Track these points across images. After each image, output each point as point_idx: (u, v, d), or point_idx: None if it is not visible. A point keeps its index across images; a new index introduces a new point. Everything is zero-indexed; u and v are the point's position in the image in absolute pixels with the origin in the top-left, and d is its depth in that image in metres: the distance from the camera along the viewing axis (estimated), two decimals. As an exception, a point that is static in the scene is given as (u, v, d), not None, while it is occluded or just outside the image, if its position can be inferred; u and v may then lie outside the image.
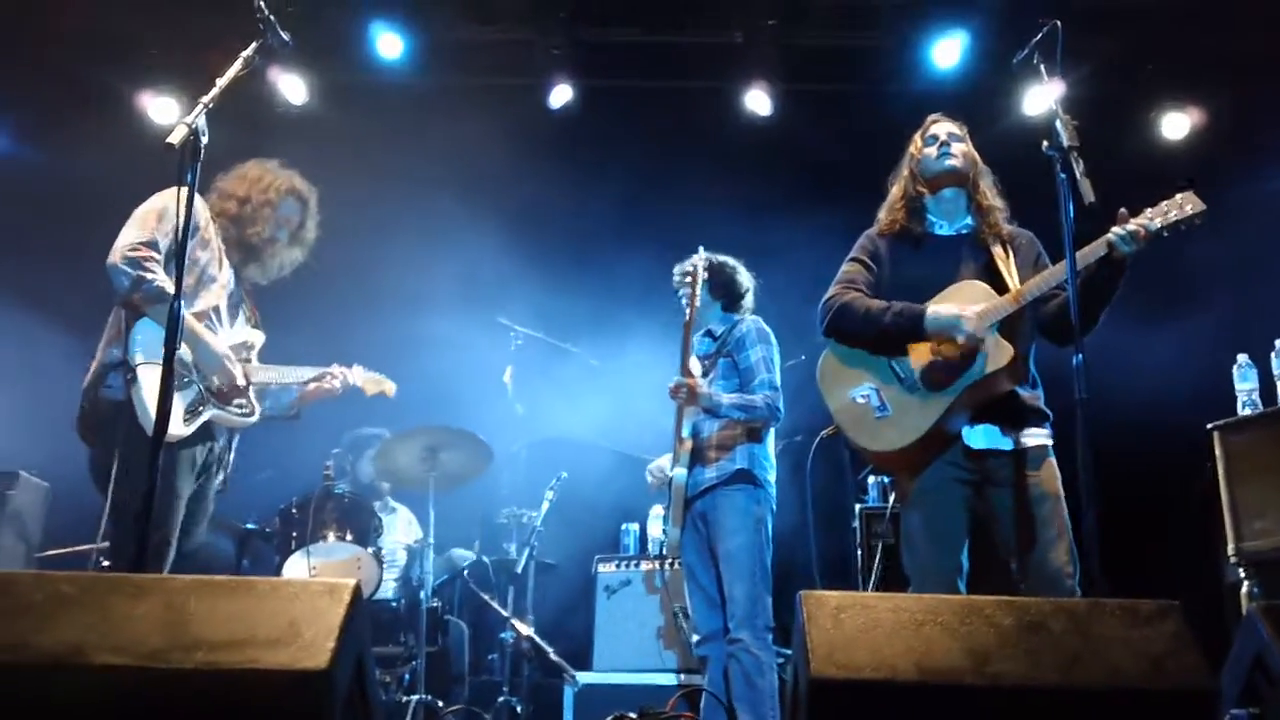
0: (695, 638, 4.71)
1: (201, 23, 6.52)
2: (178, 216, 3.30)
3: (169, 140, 3.34)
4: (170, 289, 3.77)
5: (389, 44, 7.19)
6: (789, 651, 5.05)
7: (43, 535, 5.47)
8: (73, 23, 6.74)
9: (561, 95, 7.34)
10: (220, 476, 4.16)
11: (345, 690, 2.17)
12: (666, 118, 7.45)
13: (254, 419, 4.20)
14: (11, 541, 5.15)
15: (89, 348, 3.99)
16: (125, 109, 7.05)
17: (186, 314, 3.84)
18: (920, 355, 3.59)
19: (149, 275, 3.83)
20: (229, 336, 4.16)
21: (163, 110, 7.03)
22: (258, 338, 4.32)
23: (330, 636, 2.14)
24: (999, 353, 3.47)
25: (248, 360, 4.22)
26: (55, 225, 3.95)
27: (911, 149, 3.88)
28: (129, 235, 3.89)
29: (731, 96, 7.25)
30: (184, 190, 3.32)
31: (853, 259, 3.86)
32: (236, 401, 4.12)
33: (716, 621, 4.60)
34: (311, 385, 4.38)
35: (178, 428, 3.82)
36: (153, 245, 3.89)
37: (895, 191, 3.88)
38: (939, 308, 3.56)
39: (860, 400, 3.62)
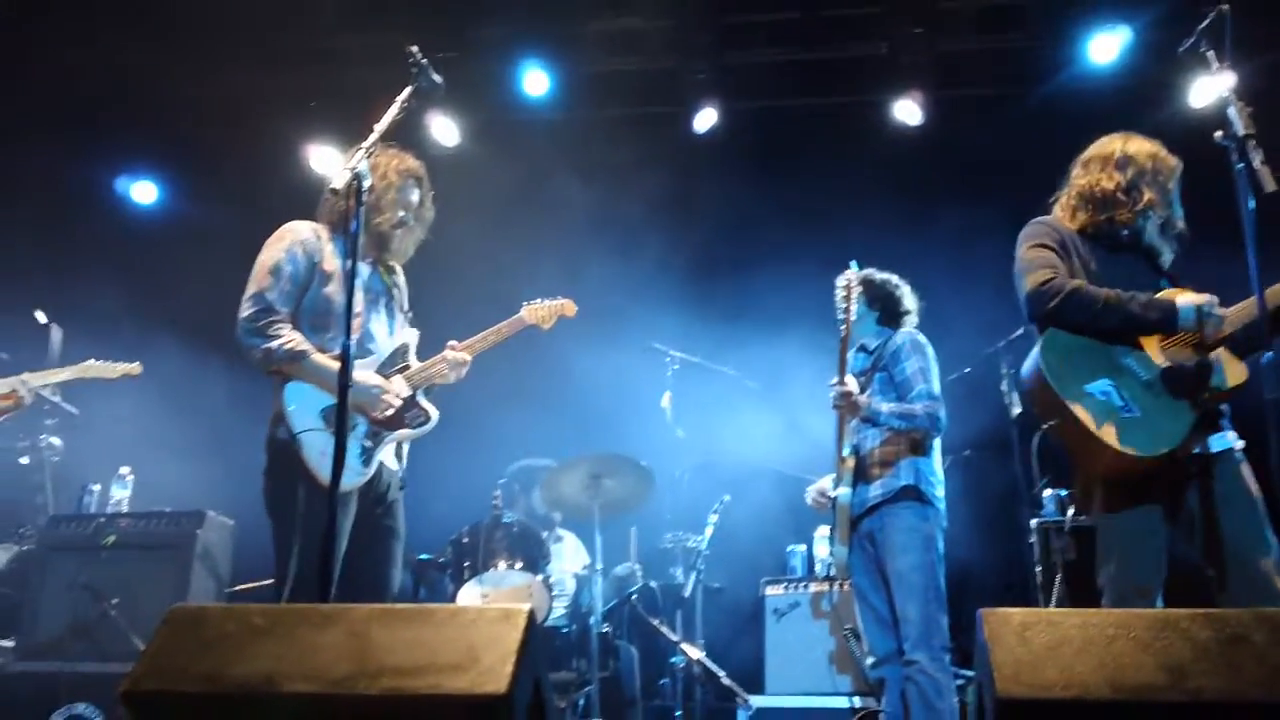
0: (869, 660, 4.60)
1: (358, 74, 6.81)
2: (350, 261, 3.35)
3: (333, 186, 3.43)
4: (300, 345, 3.84)
5: (535, 81, 7.35)
6: (967, 673, 4.91)
7: (231, 571, 5.70)
8: (236, 80, 7.09)
9: (706, 119, 7.38)
10: (398, 497, 4.12)
11: (525, 714, 2.19)
12: (814, 134, 7.41)
13: (433, 422, 4.11)
14: (203, 578, 5.38)
15: (257, 390, 4.08)
16: (288, 160, 7.36)
17: (323, 360, 3.84)
18: (1155, 354, 3.42)
19: (273, 343, 3.82)
20: (385, 346, 4.11)
21: (324, 159, 7.32)
22: (412, 336, 4.24)
23: (508, 661, 2.15)
24: (1234, 369, 3.33)
25: (405, 367, 4.14)
26: (230, 273, 4.14)
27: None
28: (244, 306, 3.87)
29: (880, 108, 7.16)
30: (352, 231, 3.36)
31: (1042, 245, 3.63)
32: (407, 418, 4.07)
33: (890, 643, 4.47)
34: (438, 377, 4.19)
35: (356, 478, 3.86)
36: (268, 308, 3.86)
37: (1105, 186, 3.68)
38: (1187, 297, 3.41)
39: (1100, 396, 3.38)
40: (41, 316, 4.80)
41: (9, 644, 5.56)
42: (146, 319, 6.83)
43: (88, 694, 4.94)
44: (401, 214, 4.15)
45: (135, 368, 4.83)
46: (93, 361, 4.72)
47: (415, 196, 4.22)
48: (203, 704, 2.18)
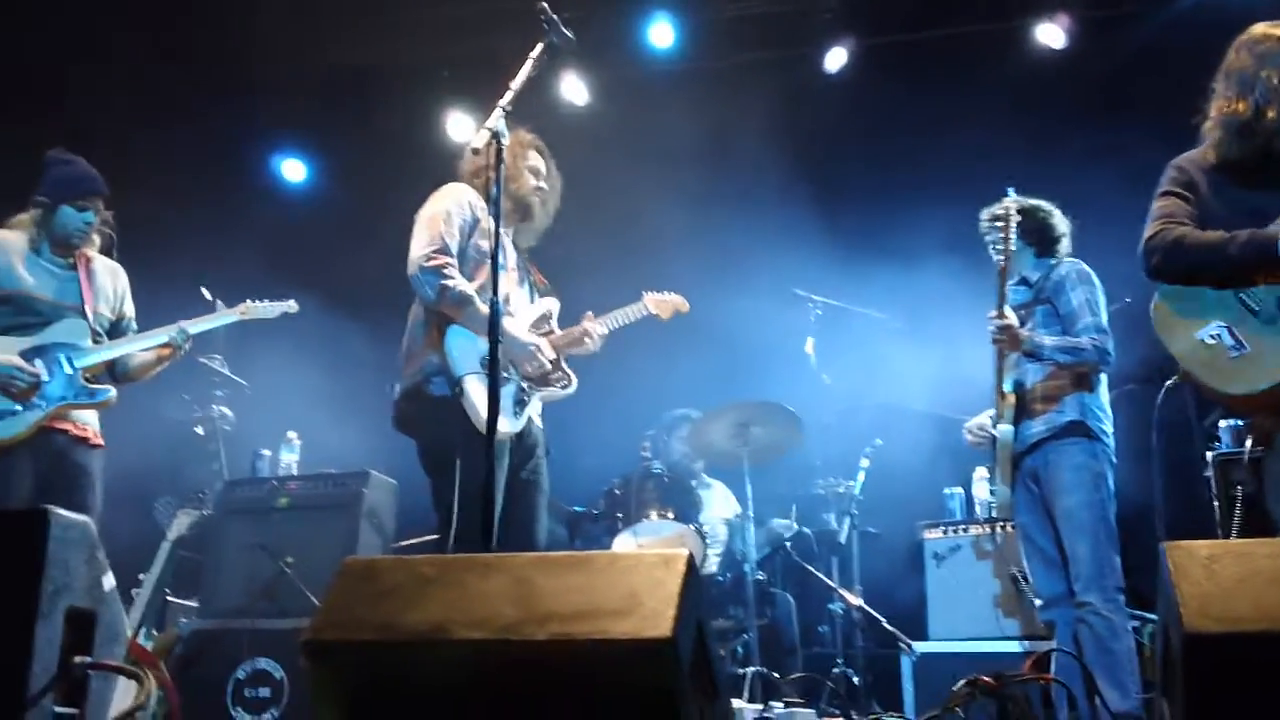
0: (1038, 602, 4.49)
1: (490, 40, 6.86)
2: (494, 219, 3.41)
3: (473, 145, 3.49)
4: (471, 291, 3.97)
5: (661, 33, 7.31)
6: (1142, 614, 4.75)
7: (396, 527, 5.89)
8: (373, 53, 7.23)
9: (837, 58, 7.25)
10: (543, 454, 4.27)
11: (689, 657, 2.19)
12: (948, 66, 7.18)
13: (574, 387, 4.31)
14: (369, 535, 5.56)
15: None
16: (427, 129, 7.48)
17: (486, 309, 3.94)
18: (1275, 283, 3.24)
19: (449, 282, 3.96)
20: (527, 314, 4.28)
21: (458, 125, 7.43)
22: (553, 305, 4.41)
23: (670, 605, 2.16)
24: None
25: (549, 332, 4.30)
26: (379, 243, 4.26)
27: (1255, 67, 3.42)
28: (420, 244, 4.02)
29: (1018, 34, 6.90)
30: (493, 190, 3.44)
31: (1166, 192, 3.49)
32: (553, 377, 4.24)
33: (1060, 584, 4.35)
34: (576, 346, 4.36)
35: (508, 426, 3.98)
36: (445, 250, 4.01)
37: (1233, 110, 3.45)
38: None
39: (1210, 341, 3.27)
40: (207, 293, 4.99)
41: (194, 604, 5.86)
42: (303, 290, 7.05)
43: (269, 649, 5.16)
44: (533, 181, 4.32)
45: (292, 305, 4.97)
46: (249, 303, 4.84)
47: (541, 163, 4.38)
48: (378, 651, 2.25)
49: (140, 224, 6.76)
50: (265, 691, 5.14)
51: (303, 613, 4.97)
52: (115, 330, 4.59)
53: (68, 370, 4.26)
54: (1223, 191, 3.43)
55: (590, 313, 4.38)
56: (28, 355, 4.20)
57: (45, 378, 4.21)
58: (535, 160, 4.36)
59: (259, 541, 5.45)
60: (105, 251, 4.63)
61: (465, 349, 3.96)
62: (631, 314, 4.55)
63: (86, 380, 4.31)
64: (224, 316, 4.72)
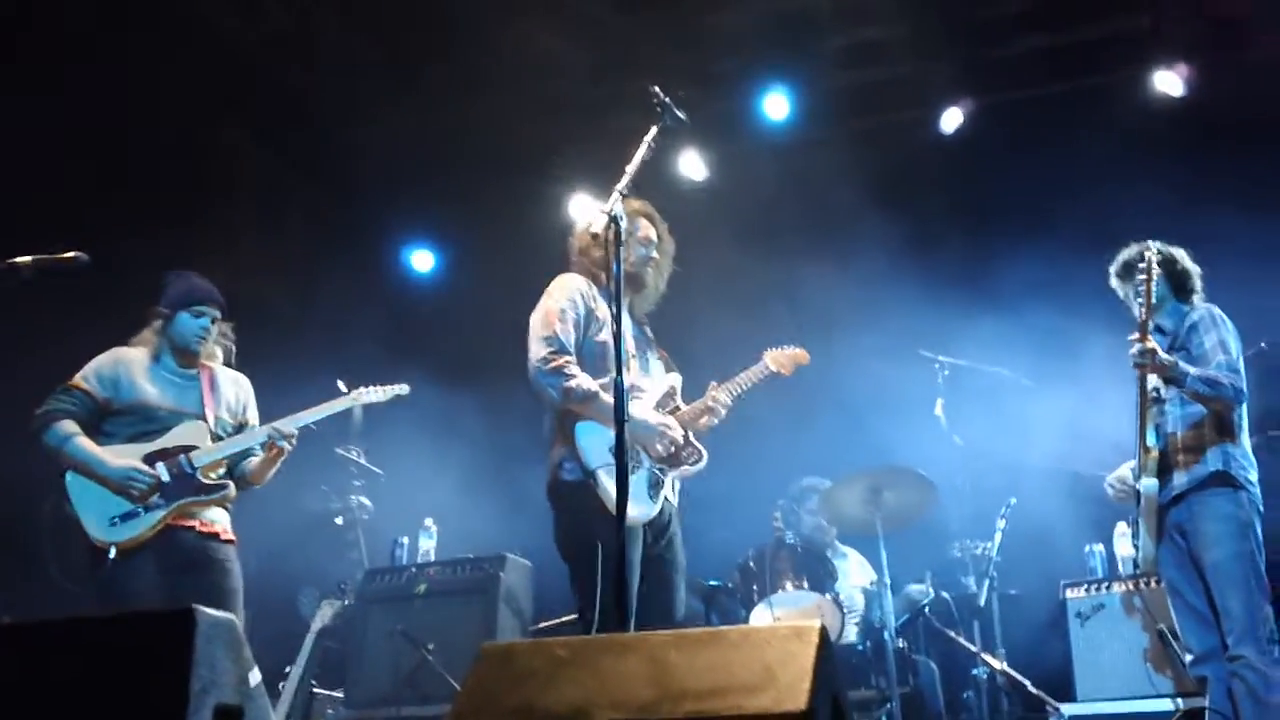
0: (1188, 657, 4.34)
1: (612, 123, 7.04)
2: (615, 301, 3.48)
3: (593, 231, 3.59)
4: (594, 386, 4.00)
5: (775, 105, 7.40)
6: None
7: (534, 609, 5.95)
8: (491, 139, 7.47)
9: (953, 119, 7.24)
10: (678, 530, 4.25)
11: (826, 730, 2.19)
12: (1066, 120, 7.12)
13: (705, 461, 4.25)
14: (508, 618, 5.63)
15: (536, 438, 4.26)
16: (545, 212, 7.68)
17: (611, 400, 3.98)
18: None
19: (571, 383, 3.98)
20: (651, 394, 4.27)
21: (581, 208, 7.60)
22: (676, 380, 4.39)
23: (804, 678, 2.17)
24: None
25: (675, 409, 4.29)
26: (506, 328, 4.38)
27: None
28: (537, 348, 4.06)
29: (1135, 84, 6.82)
30: (613, 270, 3.50)
31: None
32: (684, 454, 4.21)
33: (1211, 639, 4.21)
34: (703, 419, 4.31)
35: (642, 511, 3.99)
36: (562, 349, 4.05)
37: None
38: None
39: None
40: (343, 386, 5.17)
41: (339, 694, 5.99)
42: (435, 377, 7.26)
43: (413, 737, 5.25)
44: (642, 250, 4.32)
45: (403, 388, 5.06)
46: (363, 389, 4.93)
47: (650, 230, 4.39)
48: (518, 737, 2.29)
49: (273, 320, 7.11)
50: (411, 779, 5.20)
51: (445, 699, 5.02)
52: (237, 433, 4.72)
53: (187, 470, 4.42)
54: None
55: (714, 382, 4.35)
56: (149, 459, 4.38)
57: (165, 479, 4.37)
58: (645, 229, 4.37)
59: (400, 629, 5.54)
60: (225, 362, 4.80)
61: (595, 443, 3.98)
62: (754, 376, 4.48)
63: (206, 479, 4.47)
64: (336, 405, 4.80)
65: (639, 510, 3.94)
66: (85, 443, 4.35)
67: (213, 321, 4.65)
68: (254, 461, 4.65)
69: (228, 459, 4.56)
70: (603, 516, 3.84)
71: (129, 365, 4.54)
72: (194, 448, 4.47)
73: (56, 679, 2.36)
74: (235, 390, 4.78)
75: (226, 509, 4.59)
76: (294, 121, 7.19)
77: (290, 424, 4.60)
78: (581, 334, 4.16)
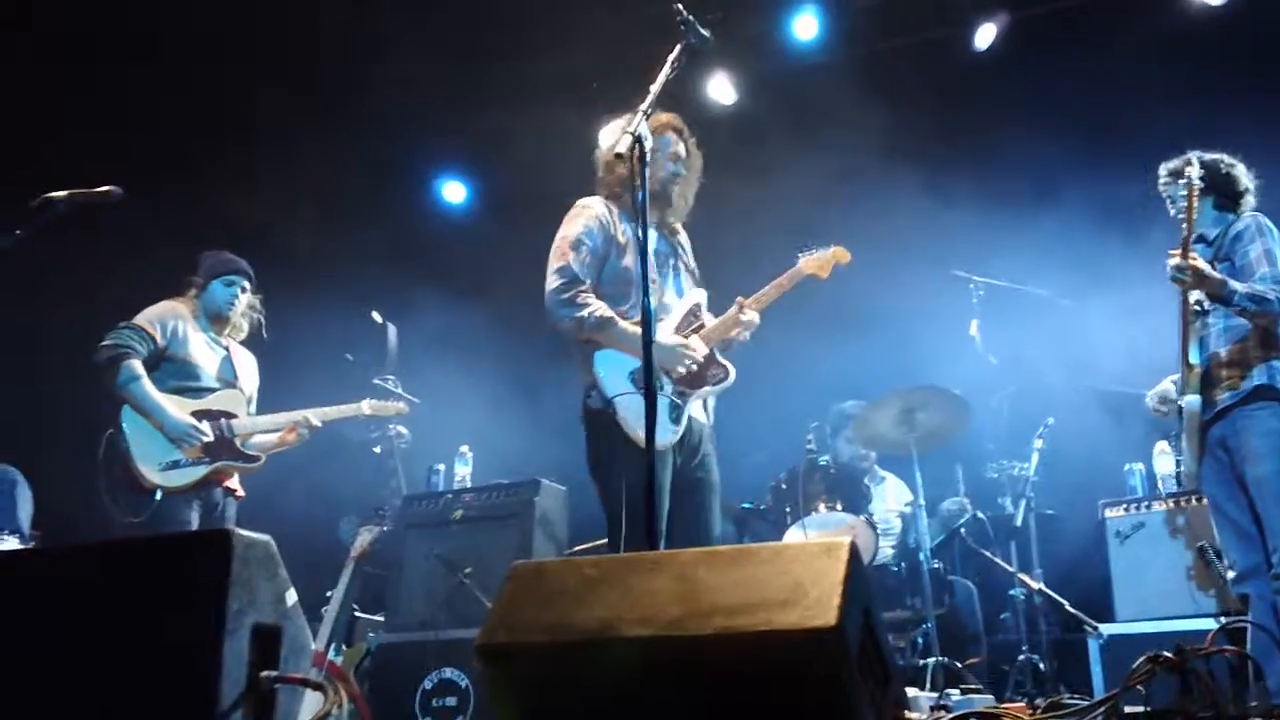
0: (1231, 575, 4.29)
1: (639, 48, 6.93)
2: (640, 223, 3.43)
3: (617, 151, 3.55)
4: (607, 313, 4.00)
5: (805, 25, 7.27)
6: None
7: (569, 533, 6.00)
8: (520, 69, 7.39)
9: (986, 34, 7.09)
10: (711, 449, 4.22)
11: (857, 645, 2.18)
12: (1101, 31, 6.92)
13: (733, 378, 4.19)
14: (543, 542, 5.67)
15: (570, 363, 4.24)
16: (580, 141, 7.60)
17: (629, 326, 3.99)
18: None
19: (582, 312, 3.98)
20: (673, 314, 4.22)
21: (610, 133, 7.49)
22: (701, 296, 4.33)
23: (835, 593, 2.15)
24: None
25: (700, 325, 4.23)
26: (536, 255, 4.36)
27: None
28: (550, 279, 4.05)
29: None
30: (638, 194, 3.45)
31: None
32: (709, 375, 4.16)
33: (1255, 556, 4.15)
34: (732, 332, 4.23)
35: (665, 438, 3.97)
36: (574, 279, 4.02)
37: None
38: None
39: None
40: (378, 316, 5.23)
41: (379, 618, 6.09)
42: (467, 306, 7.27)
43: (452, 659, 5.32)
44: (671, 166, 4.26)
45: (404, 407, 5.44)
46: (369, 400, 5.27)
47: (680, 148, 4.30)
48: (548, 652, 2.31)
49: (304, 256, 7.13)
50: (452, 700, 5.30)
51: (482, 622, 5.05)
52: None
53: (227, 435, 4.82)
54: None
55: (741, 297, 4.25)
56: (198, 416, 4.76)
57: (212, 438, 4.75)
58: (674, 144, 4.28)
59: (438, 554, 5.62)
60: (254, 332, 5.16)
61: (613, 370, 4.00)
62: (788, 282, 4.33)
63: (240, 445, 4.87)
64: (348, 409, 5.18)
65: (661, 437, 3.90)
66: (150, 387, 4.69)
67: (242, 290, 5.03)
68: (268, 438, 5.00)
69: (256, 432, 4.93)
70: (625, 446, 3.86)
71: (184, 320, 4.91)
72: (233, 415, 4.87)
73: (95, 602, 2.40)
74: (251, 368, 5.16)
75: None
76: (316, 58, 7.13)
77: (319, 418, 5.02)
78: (601, 259, 4.13)
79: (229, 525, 4.72)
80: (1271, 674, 3.90)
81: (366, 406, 5.23)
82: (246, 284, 5.05)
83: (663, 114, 4.21)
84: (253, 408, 5.09)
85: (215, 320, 5.00)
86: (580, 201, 4.28)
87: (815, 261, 4.41)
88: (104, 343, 4.71)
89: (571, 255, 4.06)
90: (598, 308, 4.00)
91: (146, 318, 4.83)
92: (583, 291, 4.02)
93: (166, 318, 4.85)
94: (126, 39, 6.59)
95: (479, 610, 5.22)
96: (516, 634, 2.35)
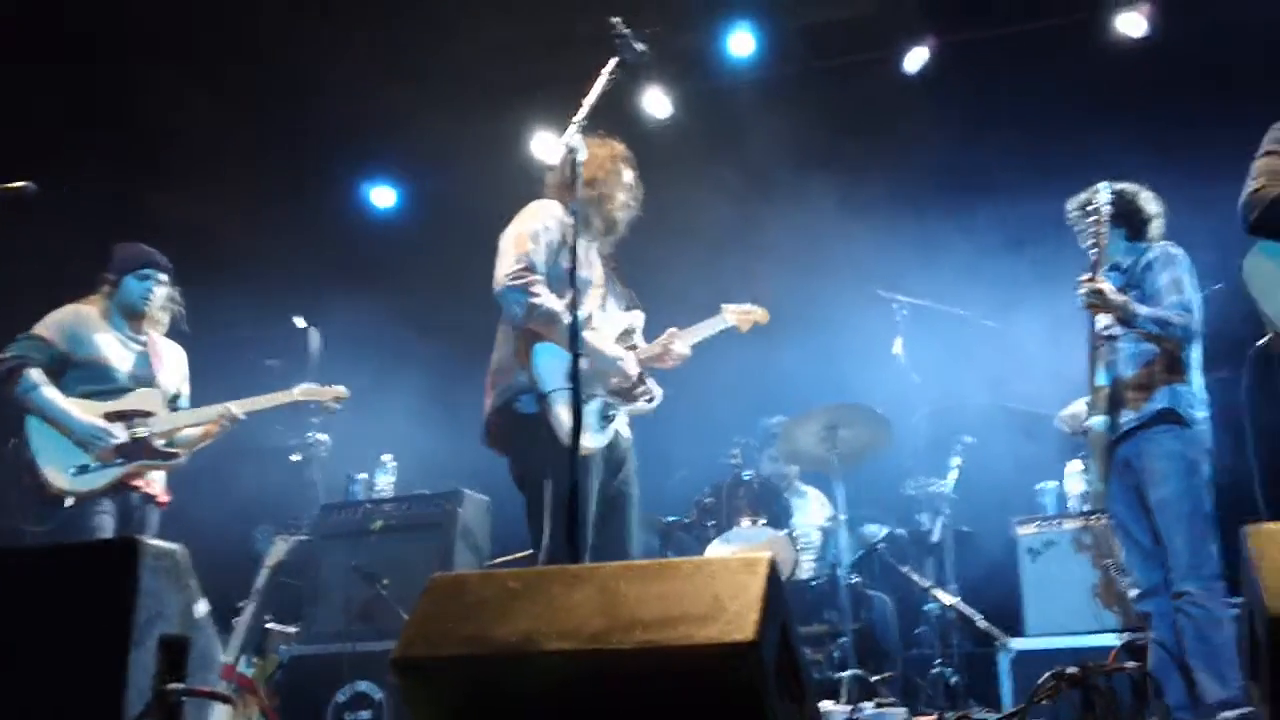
0: (1134, 593, 4.41)
1: (577, 59, 6.93)
2: (573, 231, 3.47)
3: (550, 162, 3.56)
4: (559, 307, 3.98)
5: (741, 42, 7.33)
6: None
7: (490, 545, 5.96)
8: (453, 76, 7.36)
9: (917, 58, 7.20)
10: (633, 465, 4.26)
11: (775, 659, 2.21)
12: (1030, 60, 7.07)
13: (657, 401, 4.27)
14: (464, 554, 5.64)
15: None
16: (514, 151, 7.60)
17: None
18: None
19: (536, 300, 3.97)
20: (612, 327, 4.27)
21: (544, 144, 7.50)
22: (638, 319, 4.39)
23: (753, 609, 2.18)
24: None
25: (633, 346, 4.30)
26: (464, 264, 4.35)
27: None
28: (506, 263, 4.05)
29: (1098, 25, 6.80)
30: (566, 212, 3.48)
31: (1268, 152, 3.45)
32: (637, 392, 4.21)
33: (1156, 575, 4.26)
34: (661, 361, 4.33)
35: (594, 441, 3.99)
36: (531, 268, 4.03)
37: None
38: None
39: None
40: (300, 321, 5.15)
41: (293, 630, 5.99)
42: (393, 312, 7.21)
43: (368, 671, 5.27)
44: (627, 198, 4.32)
45: (343, 392, 5.20)
46: (305, 385, 5.09)
47: (632, 177, 4.36)
48: (468, 665, 2.30)
49: (229, 259, 7.02)
50: (365, 714, 5.25)
51: (399, 634, 5.02)
52: (173, 403, 4.93)
53: (143, 434, 4.65)
54: None
55: (674, 329, 4.34)
56: (110, 418, 4.61)
57: (124, 440, 4.59)
58: (629, 177, 4.35)
59: (355, 564, 5.56)
60: (174, 324, 5.00)
61: (553, 365, 3.97)
62: (711, 328, 4.50)
63: (158, 444, 4.69)
64: (279, 398, 4.98)
65: (590, 440, 3.94)
66: (53, 393, 4.55)
67: (157, 284, 4.85)
68: (193, 433, 4.85)
69: (178, 430, 4.78)
70: (555, 447, 3.86)
71: (87, 321, 4.74)
72: (151, 414, 4.70)
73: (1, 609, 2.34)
74: (176, 360, 5.00)
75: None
76: (248, 60, 7.04)
77: (241, 409, 4.83)
78: (554, 257, 4.13)
79: (149, 533, 4.62)
80: (1171, 690, 4.01)
81: (299, 392, 5.04)
82: (162, 276, 4.87)
83: (618, 146, 4.30)
84: (185, 400, 4.95)
85: (131, 316, 4.82)
86: (542, 200, 4.29)
87: (738, 314, 4.59)
88: (2, 355, 4.58)
89: (531, 245, 4.07)
90: (550, 299, 4.01)
91: (44, 325, 4.69)
92: (538, 281, 4.03)
93: (65, 323, 4.70)
94: (56, 35, 6.45)
95: (396, 622, 5.16)
96: (434, 647, 2.34)
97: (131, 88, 6.75)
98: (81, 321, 4.72)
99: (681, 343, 4.32)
